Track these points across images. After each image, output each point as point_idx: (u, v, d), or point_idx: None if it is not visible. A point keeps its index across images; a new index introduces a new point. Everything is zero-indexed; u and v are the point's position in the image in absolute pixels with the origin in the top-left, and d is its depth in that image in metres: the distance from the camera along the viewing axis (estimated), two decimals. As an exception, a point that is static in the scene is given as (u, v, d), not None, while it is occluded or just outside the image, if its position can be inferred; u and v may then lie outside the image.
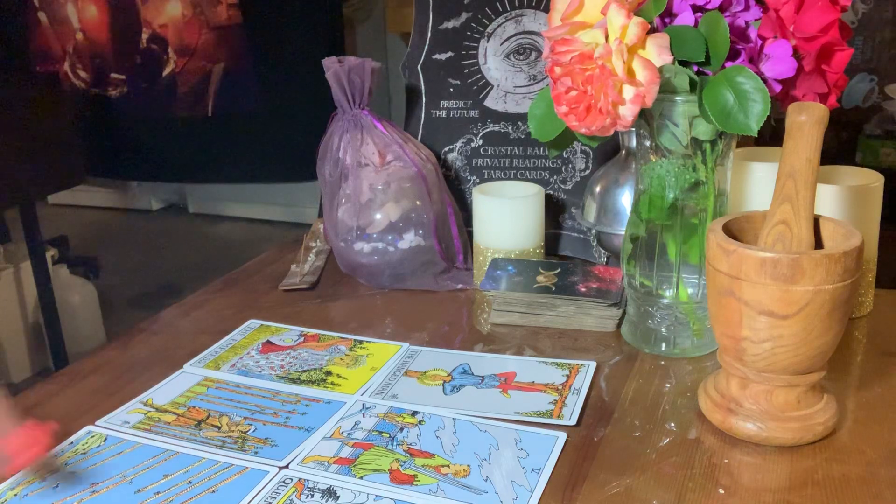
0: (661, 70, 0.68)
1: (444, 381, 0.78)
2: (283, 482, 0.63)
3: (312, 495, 0.62)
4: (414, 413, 0.72)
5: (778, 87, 0.70)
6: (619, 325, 0.88)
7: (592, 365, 0.79)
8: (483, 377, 0.78)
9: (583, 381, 0.77)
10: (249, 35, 2.96)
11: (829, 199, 0.83)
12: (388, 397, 0.75)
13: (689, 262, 0.79)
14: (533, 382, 0.77)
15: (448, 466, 0.65)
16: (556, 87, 0.72)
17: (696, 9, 0.71)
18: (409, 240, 1.00)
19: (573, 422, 0.70)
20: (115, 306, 2.69)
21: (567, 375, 0.78)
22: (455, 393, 0.76)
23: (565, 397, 0.74)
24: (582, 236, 1.06)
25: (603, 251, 1.03)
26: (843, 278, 0.62)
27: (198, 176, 3.32)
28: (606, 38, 0.68)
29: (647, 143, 0.78)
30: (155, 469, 0.66)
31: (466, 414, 0.72)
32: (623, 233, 0.85)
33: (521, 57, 1.09)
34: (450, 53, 1.11)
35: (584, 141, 0.78)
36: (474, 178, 1.10)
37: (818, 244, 0.67)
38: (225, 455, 0.67)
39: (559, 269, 0.93)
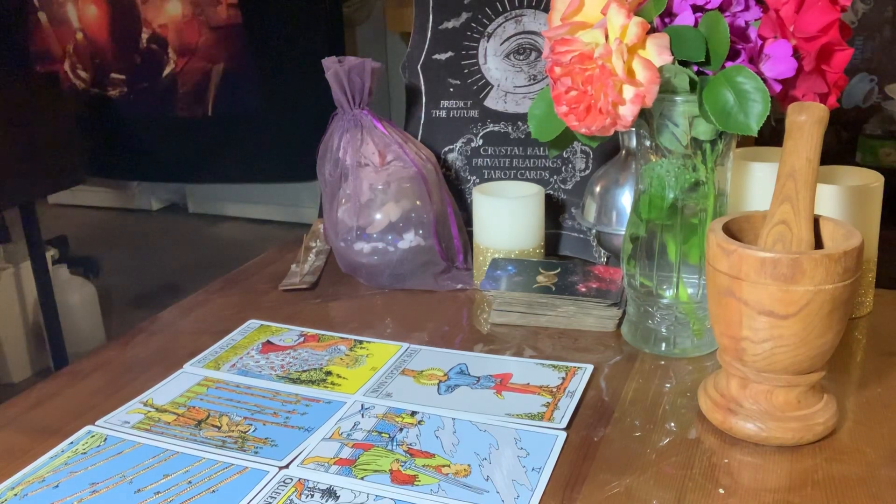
0: (661, 70, 0.68)
1: (440, 381, 0.78)
2: (283, 482, 0.63)
3: (312, 495, 0.62)
4: (413, 413, 0.72)
5: (778, 87, 0.70)
6: (619, 325, 0.88)
7: (589, 368, 0.79)
8: (479, 378, 0.78)
9: (578, 383, 0.76)
10: (249, 35, 2.96)
11: (829, 199, 0.83)
12: (383, 396, 0.75)
13: (689, 262, 0.79)
14: (528, 384, 0.77)
15: (449, 466, 0.65)
16: (556, 87, 0.72)
17: (696, 9, 0.71)
18: (409, 240, 1.00)
19: (563, 425, 0.70)
20: (115, 306, 2.69)
21: (563, 378, 0.78)
22: (449, 393, 0.76)
23: (558, 400, 0.74)
24: (582, 236, 1.07)
25: (603, 251, 1.03)
26: (843, 278, 0.62)
27: (198, 176, 3.32)
28: (606, 38, 0.68)
29: (647, 143, 0.78)
30: (155, 469, 0.66)
31: (460, 412, 0.72)
32: (623, 233, 0.85)
33: (521, 57, 1.09)
34: (450, 53, 1.11)
35: (584, 141, 0.78)
36: (474, 178, 1.10)
37: (818, 244, 0.67)
38: (225, 455, 0.67)
39: (559, 269, 0.93)
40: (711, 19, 0.69)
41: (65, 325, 2.09)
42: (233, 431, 0.71)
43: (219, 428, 0.71)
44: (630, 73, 0.68)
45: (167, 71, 3.10)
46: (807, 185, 0.64)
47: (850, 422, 0.70)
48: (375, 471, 0.65)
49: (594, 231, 1.01)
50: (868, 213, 0.85)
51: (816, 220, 0.67)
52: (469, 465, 0.65)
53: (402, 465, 0.65)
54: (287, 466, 0.66)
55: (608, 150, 1.03)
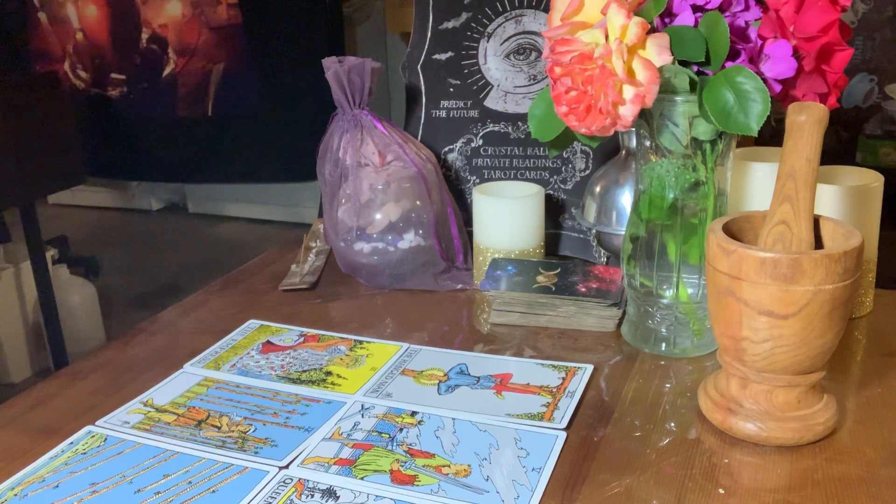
0: (661, 70, 0.68)
1: (440, 381, 0.78)
2: (283, 482, 0.63)
3: (312, 495, 0.62)
4: (413, 413, 0.72)
5: (778, 87, 0.70)
6: (619, 325, 0.88)
7: (589, 368, 0.79)
8: (479, 378, 0.78)
9: (578, 383, 0.76)
10: (249, 35, 2.96)
11: (829, 199, 0.83)
12: (383, 396, 0.75)
13: (689, 262, 0.79)
14: (528, 384, 0.77)
15: (449, 466, 0.65)
16: (556, 87, 0.72)
17: (696, 9, 0.71)
18: (409, 240, 1.00)
19: (563, 425, 0.70)
20: (115, 306, 2.69)
21: (563, 378, 0.78)
22: (449, 393, 0.76)
23: (558, 400, 0.74)
24: (582, 236, 1.07)
25: (603, 251, 1.03)
26: (843, 278, 0.62)
27: (198, 176, 3.32)
28: (606, 38, 0.68)
29: (647, 143, 0.78)
30: (155, 469, 0.66)
31: (460, 412, 0.72)
32: (623, 233, 0.85)
33: (521, 57, 1.09)
34: (450, 53, 1.11)
35: (584, 141, 0.78)
36: (474, 178, 1.10)
37: (818, 244, 0.67)
38: (225, 455, 0.67)
39: (559, 269, 0.93)
40: (711, 19, 0.69)
41: (65, 325, 2.09)
42: (233, 431, 0.71)
43: (219, 428, 0.71)
44: (630, 73, 0.68)
45: (167, 71, 3.10)
46: (807, 185, 0.64)
47: (850, 422, 0.70)
48: (375, 471, 0.65)
49: (594, 231, 1.01)
50: (868, 213, 0.85)
51: (816, 220, 0.67)
52: (469, 466, 0.65)
53: (402, 466, 0.65)
54: (287, 466, 0.66)
55: (608, 150, 1.03)
